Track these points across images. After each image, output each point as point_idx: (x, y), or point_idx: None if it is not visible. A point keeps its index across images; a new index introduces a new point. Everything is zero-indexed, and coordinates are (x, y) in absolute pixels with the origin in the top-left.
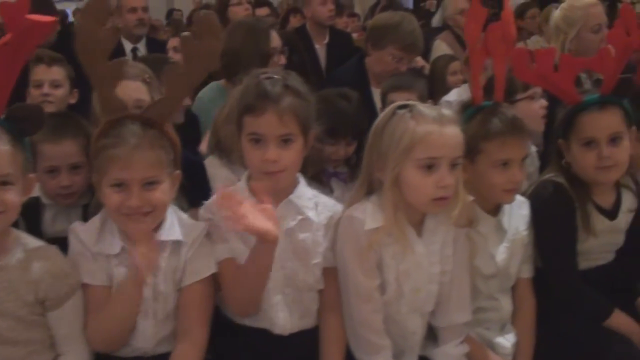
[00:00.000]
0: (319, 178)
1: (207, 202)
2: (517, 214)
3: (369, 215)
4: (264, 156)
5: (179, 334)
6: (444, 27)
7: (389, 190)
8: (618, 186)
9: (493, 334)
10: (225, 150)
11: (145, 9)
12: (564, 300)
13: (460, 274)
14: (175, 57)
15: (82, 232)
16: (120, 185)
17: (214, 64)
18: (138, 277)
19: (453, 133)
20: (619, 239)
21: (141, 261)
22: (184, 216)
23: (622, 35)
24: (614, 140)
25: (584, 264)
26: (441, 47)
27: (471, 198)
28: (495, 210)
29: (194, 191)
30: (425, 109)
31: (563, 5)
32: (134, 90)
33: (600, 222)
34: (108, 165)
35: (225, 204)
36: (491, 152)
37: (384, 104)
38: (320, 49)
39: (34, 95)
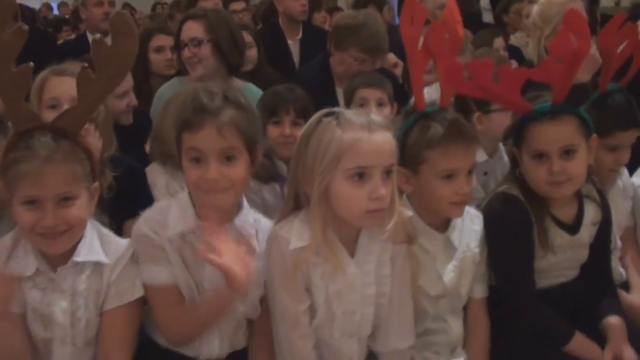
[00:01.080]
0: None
1: (147, 215)
2: (469, 229)
3: (295, 233)
4: (204, 175)
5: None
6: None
7: (316, 205)
8: (580, 197)
9: (442, 359)
10: (172, 156)
11: (111, 3)
12: (520, 323)
13: (400, 295)
14: (155, 57)
15: None
16: (32, 202)
17: (129, 68)
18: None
19: (383, 139)
20: (582, 254)
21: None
22: (106, 232)
23: (567, 43)
24: (567, 153)
25: (543, 282)
26: None
27: (409, 212)
28: (443, 225)
29: (132, 200)
30: (353, 115)
31: (541, 0)
32: (72, 86)
33: (559, 237)
34: (18, 182)
35: (206, 234)
36: (434, 162)
37: (351, 101)
38: (294, 44)
39: None
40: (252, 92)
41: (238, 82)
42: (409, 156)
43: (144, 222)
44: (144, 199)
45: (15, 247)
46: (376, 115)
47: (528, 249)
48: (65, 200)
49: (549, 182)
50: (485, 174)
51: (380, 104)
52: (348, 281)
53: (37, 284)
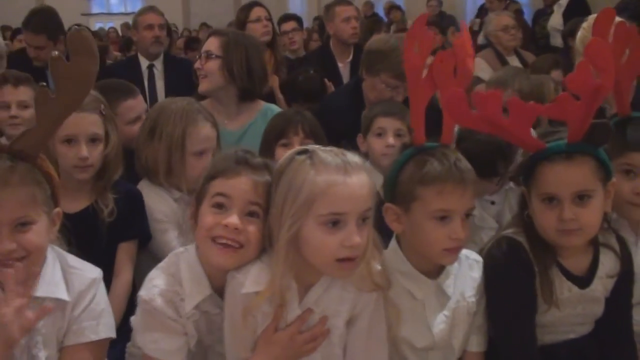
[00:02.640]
0: None
1: (160, 284)
2: (466, 275)
3: (251, 276)
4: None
5: None
6: (486, 44)
7: (282, 250)
8: (596, 246)
9: None
10: (152, 172)
11: (162, 27)
12: None
13: (369, 350)
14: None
15: None
16: None
17: (89, 87)
18: (7, 339)
19: (360, 183)
20: (596, 309)
21: (12, 319)
22: (72, 262)
23: (587, 77)
24: (581, 198)
25: (548, 337)
26: (481, 65)
27: (377, 263)
28: (435, 271)
29: (129, 224)
30: (328, 155)
31: (584, 24)
32: (91, 123)
33: (567, 289)
34: None
35: None
36: (428, 200)
37: (368, 130)
38: (344, 67)
39: (0, 117)
40: (274, 113)
41: (260, 104)
42: (401, 192)
43: (160, 295)
44: (141, 222)
45: None
46: (352, 155)
47: (528, 302)
48: (22, 225)
49: (559, 229)
50: (493, 203)
51: (398, 135)
52: None
53: None
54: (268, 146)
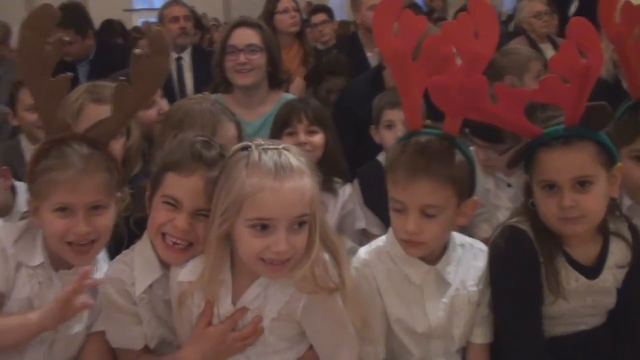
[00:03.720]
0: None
1: (112, 275)
2: (469, 264)
3: (189, 266)
4: (174, 222)
5: None
6: (518, 31)
7: (212, 244)
8: (606, 235)
9: None
10: None
11: (187, 18)
12: None
13: (329, 346)
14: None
15: (2, 230)
16: (64, 210)
17: (161, 83)
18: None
19: (293, 189)
20: (607, 301)
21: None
22: (104, 255)
23: (572, 59)
24: (582, 184)
25: (557, 329)
26: None
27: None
28: (435, 257)
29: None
30: (265, 155)
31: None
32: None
33: (574, 280)
34: (51, 189)
35: None
36: (389, 189)
37: (378, 123)
38: (372, 56)
39: (27, 119)
40: None
41: (279, 94)
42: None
43: (110, 283)
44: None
45: (25, 233)
46: (295, 155)
47: (532, 293)
48: (96, 209)
49: (560, 217)
50: (509, 185)
51: None
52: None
53: (36, 276)
54: (275, 136)
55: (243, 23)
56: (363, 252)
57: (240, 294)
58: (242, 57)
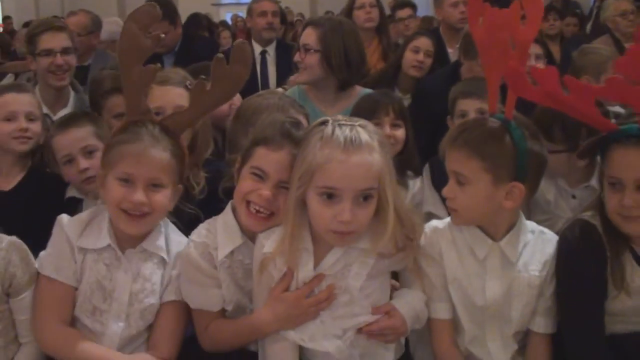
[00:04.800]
0: None
1: (196, 239)
2: (536, 248)
3: (274, 236)
4: (259, 191)
5: (149, 347)
6: (602, 30)
7: (291, 210)
8: None
9: None
10: None
11: (275, 14)
12: None
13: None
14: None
15: (67, 225)
16: (126, 180)
17: (238, 90)
18: None
19: (360, 162)
20: None
21: None
22: (173, 232)
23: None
24: None
25: (617, 326)
26: None
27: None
28: (500, 234)
29: (217, 203)
30: (339, 129)
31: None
32: (176, 95)
33: (638, 278)
34: (119, 159)
35: None
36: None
37: (452, 113)
38: (453, 53)
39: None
40: None
41: (357, 89)
42: None
43: (194, 247)
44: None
45: (90, 223)
46: (369, 133)
47: (598, 287)
48: (155, 186)
49: (619, 213)
50: (574, 197)
51: (482, 113)
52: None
53: (102, 259)
54: None
55: (310, 22)
56: (436, 222)
57: (319, 260)
58: (297, 55)
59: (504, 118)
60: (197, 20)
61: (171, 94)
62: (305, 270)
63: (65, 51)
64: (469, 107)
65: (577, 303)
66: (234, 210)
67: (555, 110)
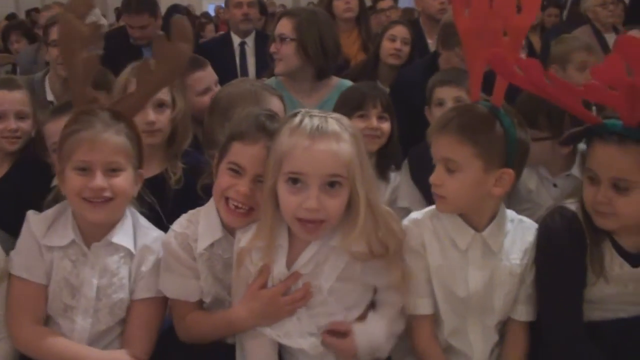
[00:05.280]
0: None
1: (177, 229)
2: (516, 237)
3: (252, 231)
4: (237, 186)
5: (123, 343)
6: (581, 19)
7: (266, 202)
8: None
9: None
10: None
11: (251, 4)
12: (557, 357)
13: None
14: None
15: (33, 223)
16: (84, 169)
17: (183, 67)
18: None
19: (326, 149)
20: None
21: None
22: (144, 224)
23: (618, 74)
24: (618, 186)
25: (597, 313)
26: None
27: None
28: (482, 224)
29: (195, 194)
30: (308, 119)
31: None
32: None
33: (618, 266)
34: (73, 149)
35: None
36: None
37: (430, 102)
38: (433, 44)
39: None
40: None
41: (334, 80)
42: None
43: (174, 237)
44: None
45: (56, 220)
46: (339, 124)
47: (577, 274)
48: (113, 171)
49: (592, 207)
50: (555, 186)
51: (459, 102)
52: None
53: (68, 255)
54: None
55: (285, 13)
56: (415, 213)
57: (294, 258)
58: (273, 46)
59: (492, 105)
60: (177, 12)
61: None
62: (279, 268)
63: None
64: (446, 95)
65: (556, 290)
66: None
67: (540, 98)
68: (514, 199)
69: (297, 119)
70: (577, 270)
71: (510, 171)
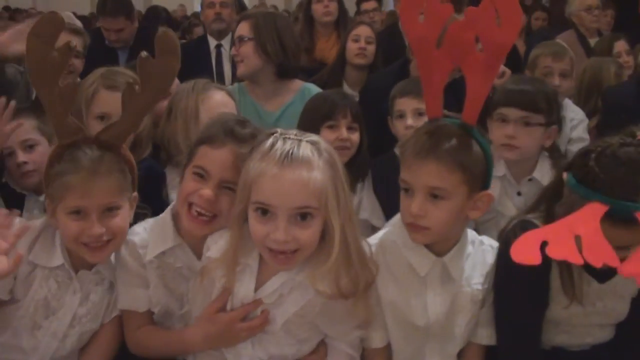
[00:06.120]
0: None
1: (128, 238)
2: (476, 261)
3: (221, 242)
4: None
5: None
6: (566, 25)
7: (234, 223)
8: None
9: None
10: (176, 154)
11: (224, 5)
12: None
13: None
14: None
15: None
16: (78, 212)
17: (171, 84)
18: None
19: (296, 178)
20: (618, 308)
21: None
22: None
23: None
24: None
25: (562, 337)
26: None
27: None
28: (444, 250)
29: (147, 202)
30: (281, 143)
31: None
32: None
33: (585, 283)
34: (64, 193)
35: None
36: (401, 171)
37: (391, 113)
38: None
39: None
40: (312, 93)
41: (297, 83)
42: None
43: (125, 244)
44: (156, 201)
45: (43, 232)
46: (313, 149)
47: (536, 295)
48: (110, 210)
49: None
50: (520, 194)
51: (419, 114)
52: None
53: (55, 276)
54: (312, 126)
55: (242, 16)
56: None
57: (262, 282)
58: (233, 49)
59: (464, 123)
60: (156, 13)
61: (118, 100)
62: (246, 290)
63: None
64: (406, 106)
65: (514, 311)
66: (174, 213)
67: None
68: None
69: (269, 142)
70: (536, 290)
71: (490, 193)
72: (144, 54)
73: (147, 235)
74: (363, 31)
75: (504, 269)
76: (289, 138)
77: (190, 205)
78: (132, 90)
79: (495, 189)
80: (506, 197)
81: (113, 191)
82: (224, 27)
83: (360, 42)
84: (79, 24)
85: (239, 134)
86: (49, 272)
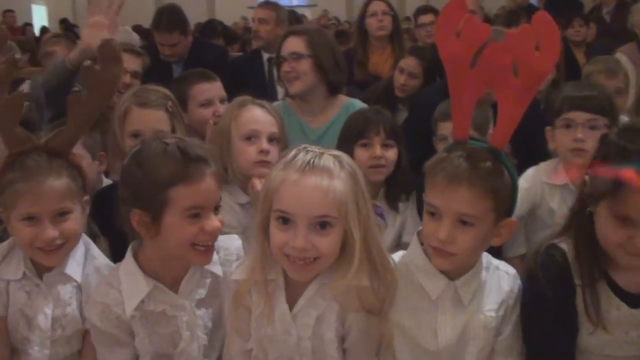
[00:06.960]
0: None
1: (96, 299)
2: (492, 286)
3: (243, 264)
4: (205, 227)
5: None
6: (628, 36)
7: (257, 236)
8: None
9: None
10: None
11: (262, 21)
12: None
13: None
14: None
15: None
16: (31, 219)
17: (114, 91)
18: None
19: (316, 186)
20: None
21: None
22: (95, 253)
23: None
24: None
25: None
26: (621, 60)
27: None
28: (458, 274)
29: None
30: (303, 154)
31: None
32: (155, 120)
33: (615, 308)
34: (16, 200)
35: None
36: (426, 193)
37: (435, 134)
38: None
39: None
40: (356, 108)
41: (342, 99)
42: None
43: (93, 307)
44: None
45: (10, 252)
46: (335, 161)
47: (562, 321)
48: (61, 215)
49: (629, 252)
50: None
51: None
52: (282, 328)
53: (23, 286)
54: (347, 146)
55: (291, 32)
56: None
57: (294, 296)
58: (286, 66)
59: (493, 148)
60: (212, 27)
61: (151, 118)
62: (280, 305)
63: None
64: (449, 131)
65: (540, 341)
66: (134, 256)
67: None
68: (532, 226)
69: (292, 154)
70: (565, 314)
71: (514, 221)
72: (87, 62)
73: (118, 290)
74: (408, 64)
75: (526, 296)
76: (311, 150)
77: (193, 245)
78: (77, 98)
79: (554, 202)
80: (566, 207)
81: (63, 196)
82: (261, 44)
83: (402, 76)
84: (136, 38)
85: (198, 153)
86: (20, 284)
